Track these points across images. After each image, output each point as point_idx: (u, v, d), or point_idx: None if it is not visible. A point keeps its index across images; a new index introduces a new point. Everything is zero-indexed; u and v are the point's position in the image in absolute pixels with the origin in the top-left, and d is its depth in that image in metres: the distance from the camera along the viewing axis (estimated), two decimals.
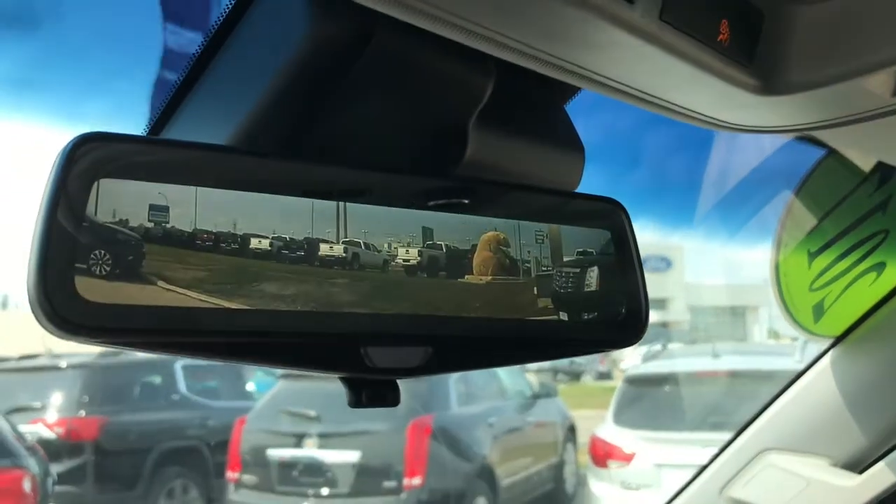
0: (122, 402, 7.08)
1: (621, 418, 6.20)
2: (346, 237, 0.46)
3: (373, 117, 0.54)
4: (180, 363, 7.64)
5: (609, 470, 6.00)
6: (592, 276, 0.55)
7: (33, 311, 0.38)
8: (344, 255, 0.46)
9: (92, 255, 0.39)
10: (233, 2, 0.51)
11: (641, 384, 6.62)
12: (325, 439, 6.58)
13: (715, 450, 1.57)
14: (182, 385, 7.57)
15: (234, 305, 0.42)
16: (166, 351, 0.43)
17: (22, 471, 5.03)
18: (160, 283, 0.41)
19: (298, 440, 6.68)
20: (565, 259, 0.54)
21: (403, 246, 0.49)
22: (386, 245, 0.48)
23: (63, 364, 7.08)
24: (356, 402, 0.48)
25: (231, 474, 6.79)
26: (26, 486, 4.87)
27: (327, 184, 0.48)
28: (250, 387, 8.38)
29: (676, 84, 0.52)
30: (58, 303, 0.38)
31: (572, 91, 0.70)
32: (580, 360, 18.59)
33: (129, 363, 7.41)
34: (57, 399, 6.86)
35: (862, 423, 1.37)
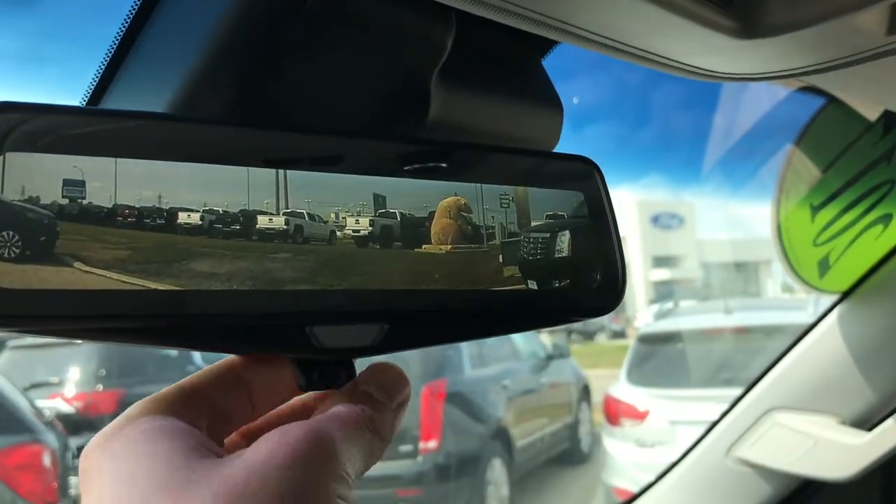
0: (139, 374, 7.14)
1: (634, 377, 6.19)
2: (287, 208, 0.43)
3: (320, 77, 0.50)
4: None
5: (623, 428, 6.00)
6: (564, 240, 0.51)
7: None
8: (285, 227, 0.43)
9: None
10: None
11: (654, 342, 6.60)
12: None
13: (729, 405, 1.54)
14: (198, 356, 7.62)
15: (161, 286, 0.39)
16: (87, 337, 0.40)
17: (41, 445, 5.08)
18: (77, 264, 0.37)
19: None
20: (534, 224, 0.50)
21: (353, 216, 0.45)
22: (333, 215, 0.44)
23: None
24: (307, 385, 0.44)
25: None
26: (46, 460, 4.92)
27: (266, 150, 0.44)
28: None
29: (651, 30, 0.47)
30: None
31: (549, 43, 0.66)
32: (594, 319, 18.52)
33: None
34: (74, 374, 6.93)
35: (870, 380, 1.34)
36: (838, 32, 0.49)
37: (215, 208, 0.41)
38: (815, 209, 1.15)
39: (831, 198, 1.13)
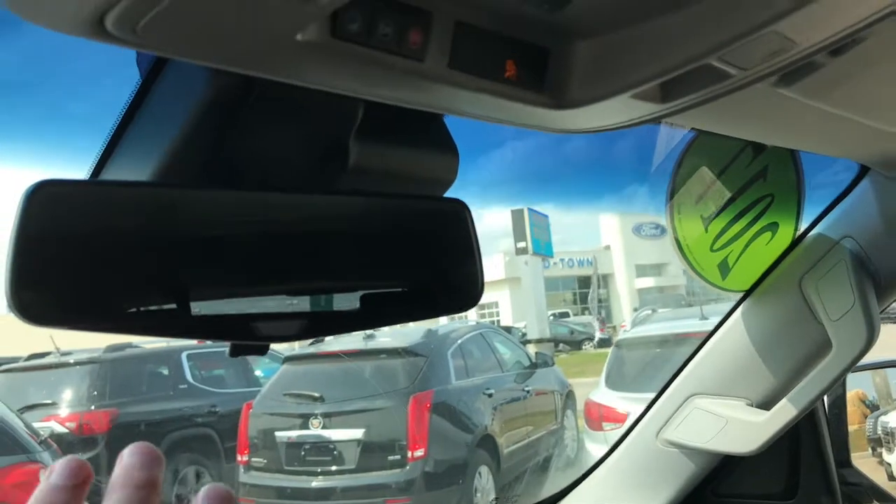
0: (131, 394, 7.29)
1: (613, 381, 6.40)
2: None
3: (267, 145, 0.71)
4: (185, 354, 7.86)
5: (604, 432, 6.19)
6: (441, 256, 0.72)
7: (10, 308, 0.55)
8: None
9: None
10: (151, 63, 0.68)
11: (631, 347, 6.82)
12: (330, 419, 6.78)
13: None
14: (188, 374, 7.78)
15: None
16: (94, 328, 0.59)
17: (37, 465, 5.23)
18: None
19: (304, 421, 6.88)
20: (420, 246, 0.71)
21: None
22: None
23: (71, 360, 7.28)
24: (235, 353, 0.65)
25: (241, 457, 7.01)
26: (42, 479, 5.07)
27: (228, 205, 0.65)
28: (257, 374, 8.60)
29: (498, 109, 0.68)
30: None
31: None
32: (581, 328, 18.75)
33: (136, 356, 7.62)
34: (67, 395, 7.07)
35: (771, 367, 1.54)
36: (629, 102, 0.69)
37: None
38: (707, 220, 1.35)
39: (719, 210, 1.34)
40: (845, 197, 1.45)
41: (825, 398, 1.84)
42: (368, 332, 7.61)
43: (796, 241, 1.49)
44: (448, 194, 0.80)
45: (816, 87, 0.84)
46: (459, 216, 0.73)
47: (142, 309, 0.61)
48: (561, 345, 17.38)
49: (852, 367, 1.39)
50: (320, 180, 0.74)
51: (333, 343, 7.58)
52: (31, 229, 0.55)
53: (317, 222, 0.70)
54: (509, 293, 25.33)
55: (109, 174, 0.71)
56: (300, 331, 0.65)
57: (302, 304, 0.66)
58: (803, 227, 1.48)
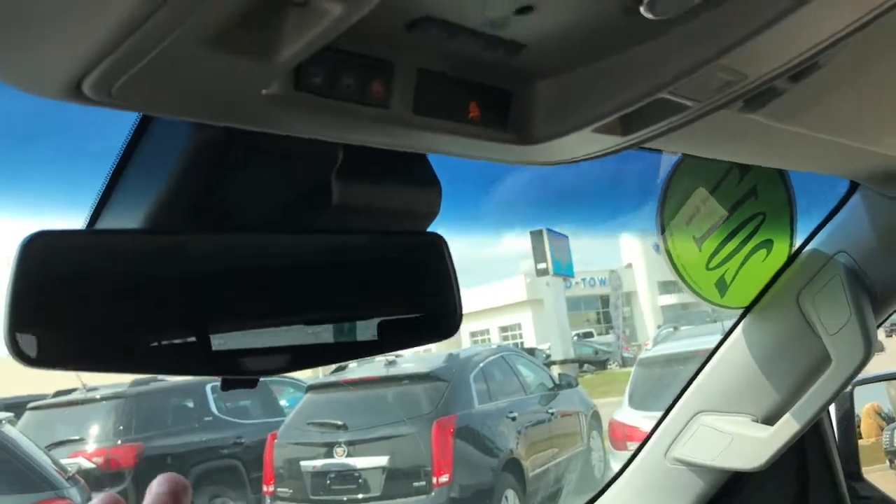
0: (157, 427, 7.37)
1: (636, 401, 6.37)
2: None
3: (252, 189, 0.75)
4: (209, 386, 7.92)
5: (628, 452, 6.15)
6: (421, 288, 0.75)
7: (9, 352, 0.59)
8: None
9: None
10: (139, 119, 0.73)
11: (653, 366, 6.79)
12: (354, 446, 6.80)
13: None
14: (213, 406, 7.84)
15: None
16: (89, 369, 0.63)
17: (65, 501, 5.30)
18: None
19: (328, 449, 6.90)
20: (402, 278, 0.75)
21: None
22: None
23: (98, 396, 7.38)
24: (226, 387, 0.68)
25: (267, 488, 7.04)
26: None
27: (217, 248, 0.69)
28: (282, 403, 8.65)
29: (471, 147, 0.71)
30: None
31: None
32: (605, 348, 18.66)
33: (160, 390, 7.70)
34: (94, 430, 7.16)
35: (774, 382, 1.55)
36: (593, 135, 0.72)
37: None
38: (699, 240, 1.38)
39: (711, 230, 1.37)
40: (838, 212, 1.47)
41: (834, 412, 1.84)
42: (391, 358, 7.65)
43: (793, 257, 1.51)
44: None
45: (784, 112, 0.87)
46: (438, 249, 0.76)
47: (135, 349, 0.65)
48: (586, 365, 17.28)
49: (852, 379, 1.40)
50: (305, 219, 0.78)
51: (356, 370, 7.61)
52: (28, 278, 0.59)
53: (303, 260, 0.74)
54: (532, 315, 25.25)
55: (105, 224, 0.75)
56: (285, 364, 0.69)
57: (289, 338, 0.70)
58: (799, 242, 1.50)
